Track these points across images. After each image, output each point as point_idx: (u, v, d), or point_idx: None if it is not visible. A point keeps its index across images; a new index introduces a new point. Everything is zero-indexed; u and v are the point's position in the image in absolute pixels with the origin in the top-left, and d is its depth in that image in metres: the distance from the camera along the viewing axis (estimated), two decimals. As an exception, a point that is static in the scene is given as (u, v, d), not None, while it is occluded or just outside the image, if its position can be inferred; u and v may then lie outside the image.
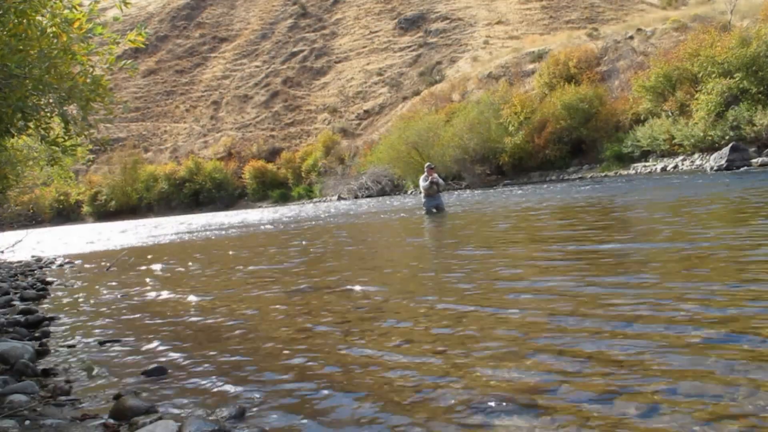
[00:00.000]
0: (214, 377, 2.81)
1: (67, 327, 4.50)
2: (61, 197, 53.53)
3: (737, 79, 24.53)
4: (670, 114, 27.60)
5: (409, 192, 36.90)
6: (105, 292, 6.37)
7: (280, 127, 64.15)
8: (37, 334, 4.17)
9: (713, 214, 7.61)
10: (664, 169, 25.82)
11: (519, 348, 2.71)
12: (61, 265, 10.51)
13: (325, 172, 50.48)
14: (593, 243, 5.96)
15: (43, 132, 4.55)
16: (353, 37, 72.04)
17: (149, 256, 11.16)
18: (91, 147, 7.14)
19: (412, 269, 5.92)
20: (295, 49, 73.60)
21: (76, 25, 3.98)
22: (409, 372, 2.57)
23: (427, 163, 14.02)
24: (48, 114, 4.46)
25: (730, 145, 20.89)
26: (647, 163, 27.89)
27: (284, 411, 2.30)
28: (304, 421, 2.19)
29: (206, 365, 3.02)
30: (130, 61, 4.48)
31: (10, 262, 11.38)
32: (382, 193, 40.23)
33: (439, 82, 53.23)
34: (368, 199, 35.99)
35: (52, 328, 4.45)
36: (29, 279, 8.13)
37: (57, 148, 4.87)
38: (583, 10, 58.86)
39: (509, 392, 2.21)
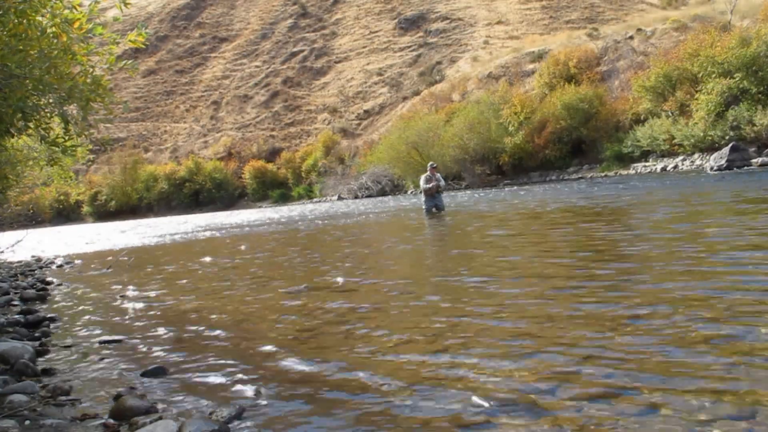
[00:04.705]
0: (214, 377, 2.81)
1: (67, 327, 4.50)
2: (61, 197, 53.50)
3: (737, 79, 24.50)
4: (670, 114, 27.58)
5: (409, 192, 36.91)
6: (105, 292, 6.37)
7: (280, 127, 64.11)
8: (37, 334, 4.17)
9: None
10: (664, 169, 25.80)
11: (519, 348, 2.71)
12: (61, 265, 10.51)
13: (325, 172, 50.43)
14: (593, 242, 5.96)
15: (43, 132, 4.55)
16: (353, 37, 72.00)
17: (149, 256, 11.16)
18: (91, 147, 7.14)
19: (412, 269, 5.92)
20: (295, 49, 73.56)
21: (76, 25, 3.98)
22: (409, 372, 2.57)
23: (431, 163, 14.09)
24: (48, 114, 4.46)
25: (730, 145, 20.87)
26: (647, 163, 27.87)
27: (284, 411, 2.30)
28: (305, 420, 2.19)
29: (206, 365, 3.03)
30: (130, 61, 4.47)
31: (10, 262, 11.37)
32: (382, 193, 40.20)
33: (439, 82, 53.17)
34: (368, 199, 35.98)
35: (52, 328, 4.45)
36: (29, 279, 8.12)
37: (57, 148, 4.87)
38: (583, 10, 58.81)
39: (509, 392, 2.21)
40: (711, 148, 24.22)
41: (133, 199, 61.34)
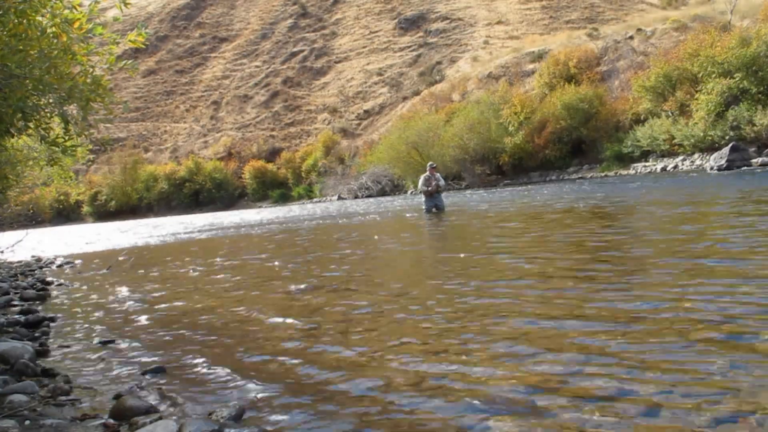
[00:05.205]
0: (213, 377, 2.81)
1: (67, 327, 4.50)
2: (61, 197, 53.44)
3: (737, 79, 24.49)
4: (670, 114, 27.57)
5: (409, 192, 36.89)
6: (105, 292, 6.37)
7: (280, 127, 64.09)
8: (37, 334, 4.17)
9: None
10: (664, 169, 25.79)
11: (519, 348, 2.71)
12: (61, 265, 10.51)
13: (325, 172, 50.40)
14: (593, 243, 5.96)
15: (43, 132, 4.55)
16: (353, 37, 71.98)
17: (149, 257, 11.16)
18: (91, 147, 7.14)
19: (411, 271, 5.92)
20: (295, 49, 73.53)
21: (76, 25, 3.98)
22: (408, 372, 2.57)
23: (430, 163, 14.10)
24: (48, 114, 4.46)
25: (730, 145, 20.87)
26: (647, 163, 27.86)
27: (284, 411, 2.30)
28: (304, 421, 2.19)
29: (206, 365, 3.02)
30: (130, 61, 4.47)
31: (10, 262, 11.37)
32: (382, 193, 40.18)
33: (439, 82, 53.15)
34: (368, 199, 35.98)
35: (52, 328, 4.45)
36: (29, 279, 8.12)
37: (57, 148, 4.87)
38: (583, 10, 58.79)
39: (509, 392, 2.21)
40: (711, 148, 24.21)
41: (133, 199, 61.31)
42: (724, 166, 19.76)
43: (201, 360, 3.14)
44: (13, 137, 5.27)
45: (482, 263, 5.49)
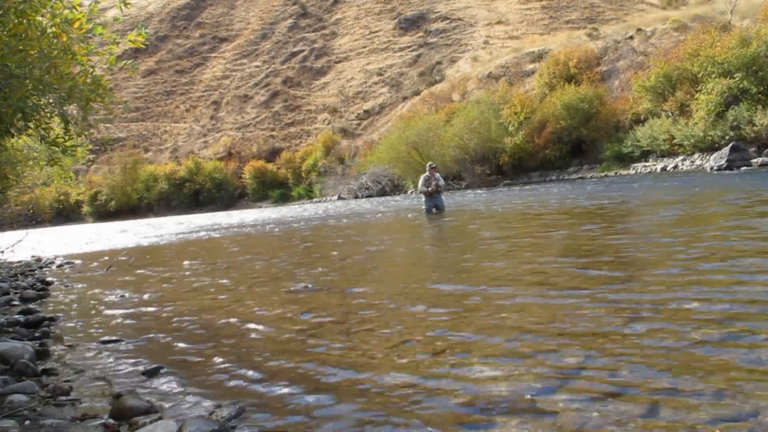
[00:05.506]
0: (214, 377, 2.81)
1: (67, 327, 4.50)
2: (61, 197, 53.47)
3: (737, 79, 24.48)
4: (670, 114, 27.56)
5: (409, 192, 36.90)
6: (105, 292, 6.37)
7: (280, 127, 64.08)
8: (37, 334, 4.17)
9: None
10: (664, 169, 25.78)
11: (519, 349, 2.71)
12: (61, 265, 10.51)
13: (325, 172, 50.39)
14: (592, 245, 5.96)
15: (43, 132, 4.55)
16: (353, 37, 71.98)
17: (149, 257, 11.16)
18: (91, 147, 7.14)
19: (411, 271, 5.91)
20: (295, 49, 73.53)
21: (76, 25, 3.98)
22: (409, 373, 2.57)
23: (429, 163, 14.09)
24: (48, 114, 4.46)
25: (730, 145, 20.87)
26: (647, 163, 27.86)
27: (284, 411, 2.30)
28: (304, 421, 2.19)
29: (206, 365, 3.03)
30: (130, 61, 4.47)
31: (10, 262, 11.37)
32: (382, 193, 40.18)
33: (439, 82, 53.14)
34: (368, 199, 35.97)
35: (52, 328, 4.45)
36: (29, 279, 8.12)
37: (57, 148, 4.87)
38: (583, 10, 58.79)
39: (509, 393, 2.21)
40: (711, 148, 24.21)
41: (133, 199, 61.31)
42: (724, 166, 19.76)
43: (200, 360, 3.14)
44: (13, 137, 5.27)
45: (482, 264, 5.49)
